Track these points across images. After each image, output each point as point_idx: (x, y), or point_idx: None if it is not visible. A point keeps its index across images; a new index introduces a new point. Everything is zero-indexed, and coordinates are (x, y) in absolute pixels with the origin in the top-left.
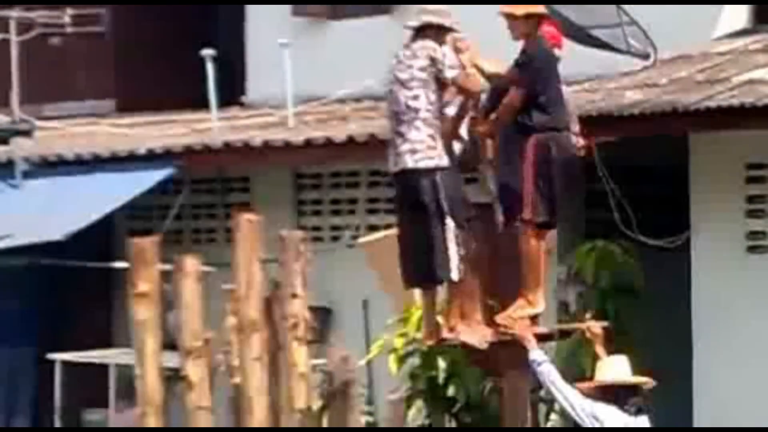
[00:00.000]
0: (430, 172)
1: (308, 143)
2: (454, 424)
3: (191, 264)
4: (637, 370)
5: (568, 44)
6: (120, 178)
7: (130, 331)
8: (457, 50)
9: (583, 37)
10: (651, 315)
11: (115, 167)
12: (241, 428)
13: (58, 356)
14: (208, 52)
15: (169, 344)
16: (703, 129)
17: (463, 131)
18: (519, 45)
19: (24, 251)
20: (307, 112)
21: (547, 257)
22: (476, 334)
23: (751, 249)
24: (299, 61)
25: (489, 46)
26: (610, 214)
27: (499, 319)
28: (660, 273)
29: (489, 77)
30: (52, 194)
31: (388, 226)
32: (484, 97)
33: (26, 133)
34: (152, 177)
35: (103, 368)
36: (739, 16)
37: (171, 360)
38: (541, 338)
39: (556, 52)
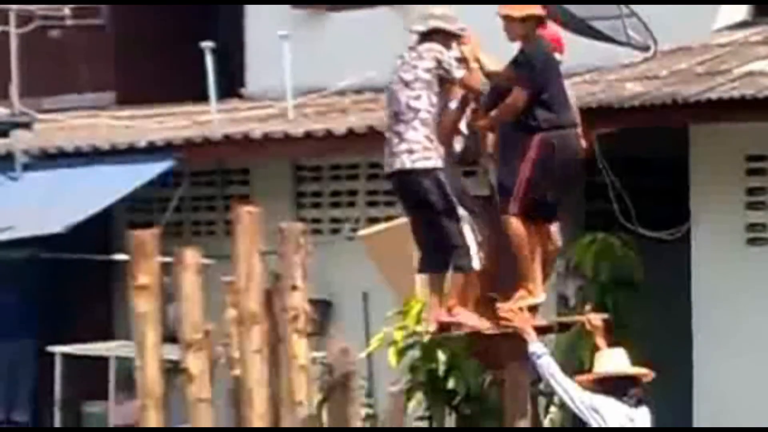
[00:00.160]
0: (428, 172)
1: (308, 135)
2: (454, 417)
3: (191, 256)
4: (636, 362)
5: (568, 36)
6: (120, 170)
7: (131, 324)
8: (462, 42)
9: (583, 28)
10: (651, 307)
11: (115, 160)
12: (240, 428)
13: (58, 349)
14: (207, 45)
15: (170, 337)
16: (704, 121)
17: (463, 126)
18: (517, 45)
19: (24, 244)
20: (307, 104)
21: (554, 254)
22: (474, 317)
23: (751, 241)
24: (299, 53)
25: (489, 45)
26: (610, 206)
27: (500, 311)
28: (660, 265)
29: (488, 74)
30: (52, 187)
31: (388, 218)
32: (485, 93)
33: (26, 126)
34: (152, 169)
35: (103, 361)
36: (739, 8)
37: (171, 352)
38: (541, 331)
39: (557, 56)
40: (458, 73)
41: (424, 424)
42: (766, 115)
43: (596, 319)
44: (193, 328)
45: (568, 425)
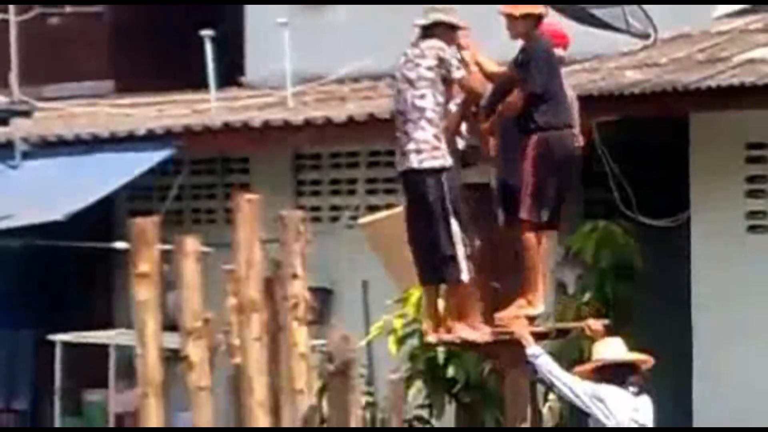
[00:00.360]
0: (435, 172)
1: (307, 123)
2: (453, 404)
3: (191, 244)
4: (636, 349)
5: (568, 24)
6: (120, 158)
7: (131, 312)
8: (460, 47)
9: (583, 16)
10: (650, 294)
11: (115, 148)
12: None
13: (59, 337)
14: (207, 33)
15: (170, 325)
16: (704, 108)
17: (464, 128)
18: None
19: (24, 232)
20: (306, 92)
21: (546, 257)
22: (475, 331)
23: (751, 229)
24: (298, 41)
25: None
26: (610, 195)
27: (498, 318)
28: (660, 253)
29: (490, 75)
30: (52, 175)
31: (388, 206)
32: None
33: (26, 114)
34: (152, 157)
35: (103, 349)
36: None
37: (171, 340)
38: (539, 337)
39: (560, 52)
40: (458, 73)
41: (424, 411)
42: (766, 103)
43: (596, 324)
44: (194, 316)
45: (566, 414)
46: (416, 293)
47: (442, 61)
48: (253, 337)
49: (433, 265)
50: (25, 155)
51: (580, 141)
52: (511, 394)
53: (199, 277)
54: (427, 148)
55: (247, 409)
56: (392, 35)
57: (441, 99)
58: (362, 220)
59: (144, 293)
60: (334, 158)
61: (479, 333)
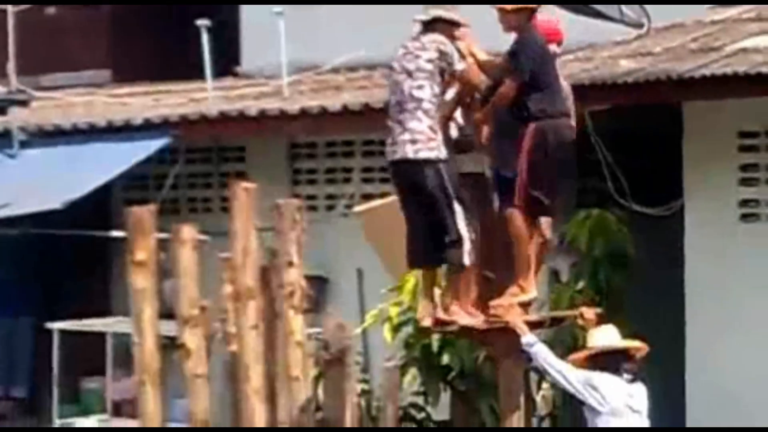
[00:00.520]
0: (430, 162)
1: (303, 113)
2: (449, 392)
3: (188, 232)
4: (629, 337)
5: (562, 13)
6: (117, 147)
7: (128, 300)
8: (455, 38)
9: (577, 5)
10: (644, 283)
11: (112, 137)
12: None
13: (56, 325)
14: (203, 23)
15: (167, 313)
16: (697, 97)
17: (458, 115)
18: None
19: (22, 221)
20: (302, 82)
21: (545, 245)
22: (472, 317)
23: (744, 217)
24: (293, 31)
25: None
26: (603, 183)
27: (492, 306)
28: (653, 241)
29: (484, 66)
30: (50, 164)
31: (383, 195)
32: (482, 86)
33: (23, 104)
34: (149, 146)
35: (100, 337)
36: None
37: (168, 328)
38: (533, 326)
39: (554, 48)
40: (459, 66)
41: (419, 399)
42: (758, 92)
43: (589, 312)
44: (190, 303)
45: (559, 402)
46: (411, 281)
47: (443, 54)
48: (250, 324)
49: (436, 248)
50: (23, 144)
51: (574, 133)
52: (506, 383)
53: (195, 265)
54: (423, 139)
55: (244, 396)
56: (387, 25)
57: (438, 91)
58: (357, 208)
59: (141, 281)
60: (329, 147)
61: (475, 319)
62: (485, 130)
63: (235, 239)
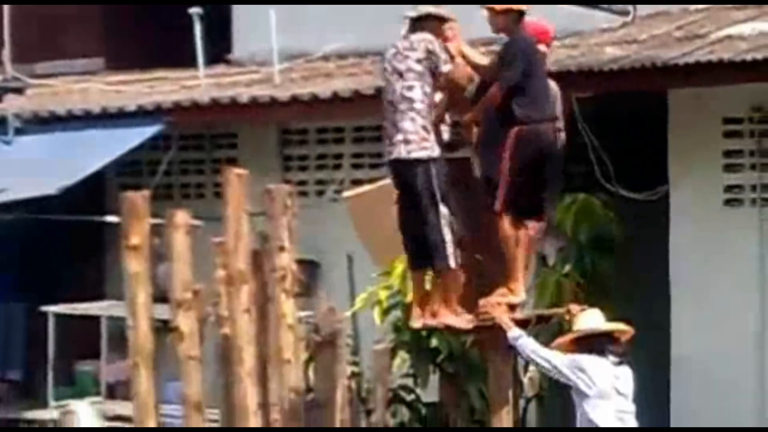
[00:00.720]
0: (423, 162)
1: (294, 99)
2: (437, 374)
3: (182, 217)
4: (615, 321)
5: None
6: (111, 134)
7: (122, 284)
8: (446, 39)
9: None
10: (629, 267)
11: (106, 124)
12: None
13: (51, 309)
14: (195, 10)
15: (160, 296)
16: (682, 84)
17: (448, 118)
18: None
19: (17, 206)
20: (293, 69)
21: (533, 245)
22: (459, 318)
23: (728, 202)
24: (284, 19)
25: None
26: (590, 168)
27: (480, 305)
28: (639, 226)
29: (475, 66)
30: (45, 150)
31: (372, 181)
32: (471, 86)
33: (18, 91)
34: (142, 133)
35: (95, 320)
36: None
37: (162, 312)
38: (520, 324)
39: (543, 48)
40: (446, 67)
41: (408, 381)
42: (743, 78)
43: (576, 308)
44: (183, 287)
45: (546, 385)
46: (400, 266)
47: (430, 54)
48: (242, 308)
49: (422, 251)
50: (18, 131)
51: (563, 135)
52: (495, 379)
53: (188, 249)
54: (416, 139)
55: (236, 378)
56: (377, 13)
57: (429, 90)
58: (347, 193)
59: (135, 266)
60: (320, 133)
61: (462, 319)
62: (474, 130)
63: (228, 224)
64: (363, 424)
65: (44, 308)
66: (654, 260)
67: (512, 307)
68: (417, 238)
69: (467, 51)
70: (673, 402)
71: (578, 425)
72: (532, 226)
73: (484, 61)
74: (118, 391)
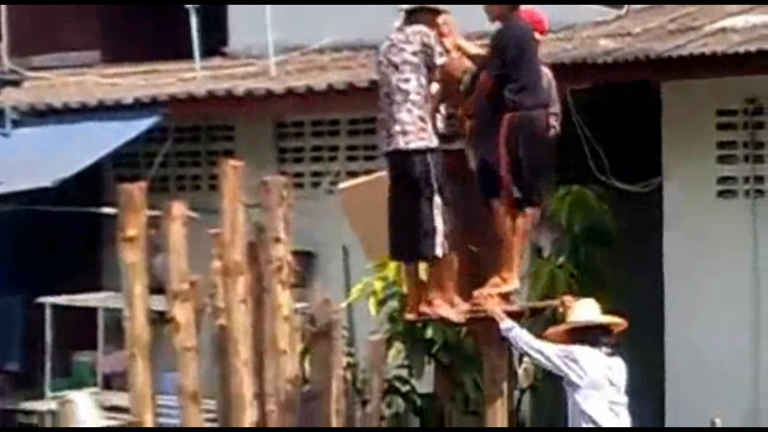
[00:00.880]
0: (422, 152)
1: (290, 92)
2: (432, 365)
3: (178, 209)
4: (609, 312)
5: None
6: (107, 126)
7: (119, 276)
8: (442, 34)
9: None
10: (624, 258)
11: (103, 116)
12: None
13: (49, 300)
14: (191, 4)
15: (157, 288)
16: (675, 76)
17: (443, 110)
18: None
19: (14, 198)
20: (288, 62)
21: (528, 234)
22: (454, 310)
23: (722, 194)
24: (280, 12)
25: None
26: (584, 159)
27: (474, 296)
28: (632, 217)
29: (472, 57)
30: (42, 142)
31: (366, 173)
32: (466, 77)
33: (15, 84)
34: (139, 125)
35: (92, 311)
36: None
37: (158, 303)
38: (513, 316)
39: (538, 36)
40: (440, 60)
41: (403, 372)
42: (736, 71)
43: (570, 300)
44: (180, 278)
45: (540, 375)
46: None
47: (426, 46)
48: (238, 299)
49: (412, 242)
50: (16, 123)
51: (557, 123)
52: (490, 371)
53: (185, 241)
54: (413, 130)
55: (232, 369)
56: (372, 7)
57: (425, 82)
58: (342, 185)
59: (131, 257)
60: (315, 126)
61: (456, 311)
62: (468, 122)
63: (224, 216)
64: (358, 414)
65: (41, 300)
66: (648, 252)
67: (506, 297)
68: (405, 230)
69: (463, 44)
70: (668, 392)
71: (570, 416)
72: (530, 213)
73: (481, 51)
74: (114, 381)
